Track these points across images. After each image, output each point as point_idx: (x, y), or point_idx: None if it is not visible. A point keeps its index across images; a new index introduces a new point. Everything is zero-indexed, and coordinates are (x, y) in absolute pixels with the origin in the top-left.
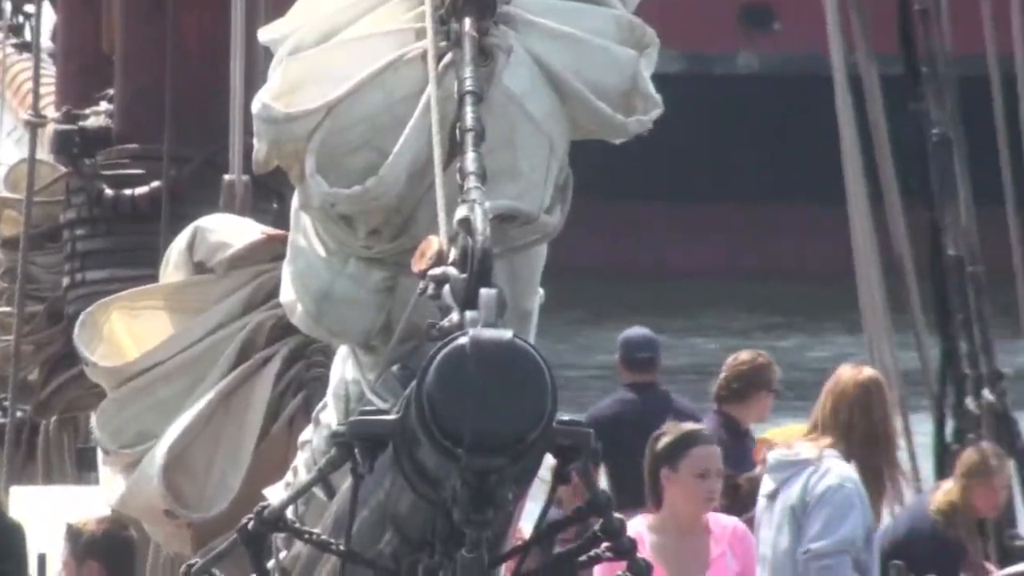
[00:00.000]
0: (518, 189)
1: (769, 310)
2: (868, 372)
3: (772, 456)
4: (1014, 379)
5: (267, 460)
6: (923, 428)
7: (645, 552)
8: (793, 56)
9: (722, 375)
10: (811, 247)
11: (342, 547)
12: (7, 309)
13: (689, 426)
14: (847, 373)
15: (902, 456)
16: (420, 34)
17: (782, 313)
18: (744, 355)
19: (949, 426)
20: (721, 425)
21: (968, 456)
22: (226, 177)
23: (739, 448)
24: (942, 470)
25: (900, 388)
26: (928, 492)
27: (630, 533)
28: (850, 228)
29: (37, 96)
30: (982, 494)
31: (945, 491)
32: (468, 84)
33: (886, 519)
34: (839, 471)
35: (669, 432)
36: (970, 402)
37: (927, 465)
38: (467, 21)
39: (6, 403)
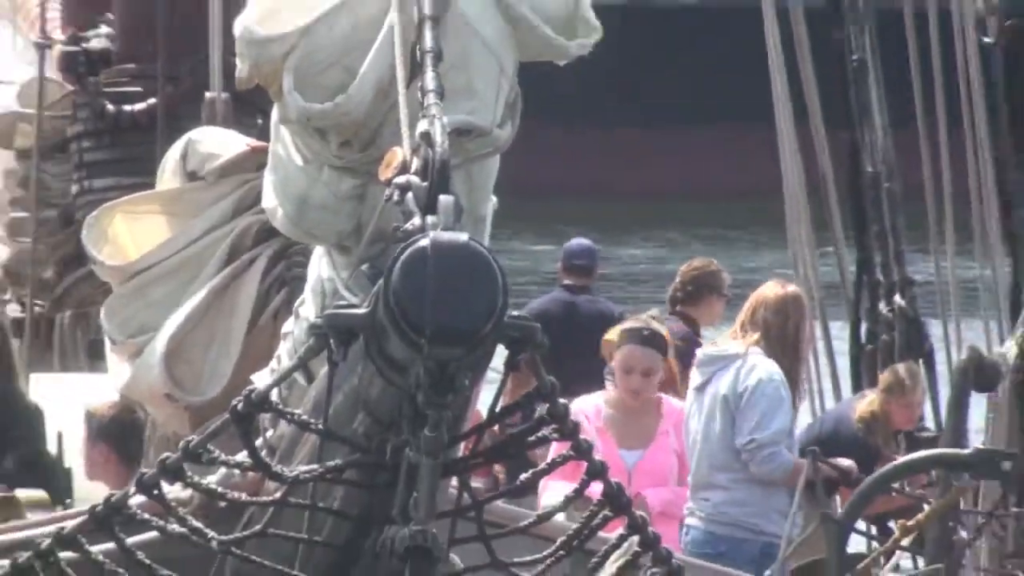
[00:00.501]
0: (472, 105)
1: (696, 226)
2: (791, 288)
3: (701, 353)
4: (923, 286)
5: (255, 349)
6: (842, 334)
7: (598, 422)
8: None
9: (677, 279)
10: (736, 167)
11: (320, 427)
12: (24, 214)
13: (639, 322)
14: (771, 287)
15: (822, 359)
16: None
17: (705, 229)
18: (697, 261)
19: (864, 329)
20: (686, 325)
21: (886, 376)
22: (208, 95)
23: (698, 347)
24: (857, 368)
25: (819, 295)
26: (854, 399)
27: (590, 406)
28: (778, 149)
29: (44, 20)
30: (898, 410)
31: (869, 401)
32: (427, 9)
33: (807, 418)
34: (765, 366)
35: (624, 323)
36: (883, 307)
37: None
38: None
39: (25, 299)
